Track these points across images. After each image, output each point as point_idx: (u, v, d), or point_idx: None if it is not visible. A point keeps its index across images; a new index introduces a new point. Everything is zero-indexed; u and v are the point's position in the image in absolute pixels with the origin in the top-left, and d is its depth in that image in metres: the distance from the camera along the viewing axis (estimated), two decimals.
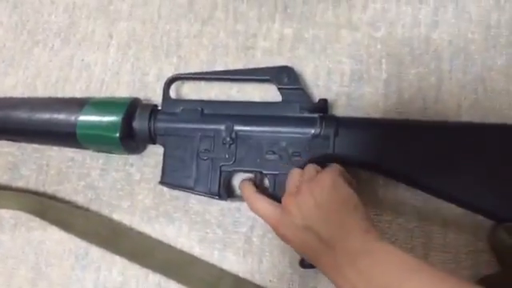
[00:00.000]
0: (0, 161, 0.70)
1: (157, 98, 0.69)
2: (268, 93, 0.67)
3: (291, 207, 0.50)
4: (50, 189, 0.68)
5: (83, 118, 0.61)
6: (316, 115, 0.59)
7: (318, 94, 0.66)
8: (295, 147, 0.58)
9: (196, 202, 0.65)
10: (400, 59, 0.66)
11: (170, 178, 0.61)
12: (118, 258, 0.64)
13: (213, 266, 0.62)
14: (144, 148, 0.67)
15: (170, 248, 0.64)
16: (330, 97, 0.65)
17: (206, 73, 0.68)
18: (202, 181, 0.60)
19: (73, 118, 0.62)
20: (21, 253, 0.67)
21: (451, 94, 0.64)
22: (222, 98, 0.68)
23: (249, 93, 0.68)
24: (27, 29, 0.76)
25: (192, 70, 0.69)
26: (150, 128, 0.61)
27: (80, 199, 0.67)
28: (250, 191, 0.57)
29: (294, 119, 0.59)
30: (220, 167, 0.60)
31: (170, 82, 0.64)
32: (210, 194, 0.60)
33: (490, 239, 0.58)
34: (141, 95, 0.69)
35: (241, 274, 0.62)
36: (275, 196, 0.57)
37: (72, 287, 0.64)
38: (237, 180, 0.65)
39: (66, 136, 0.62)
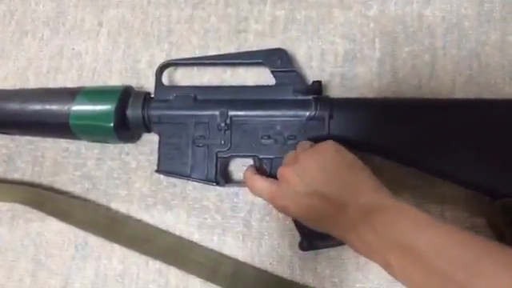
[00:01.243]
0: None
1: (149, 84, 0.68)
2: (262, 76, 0.66)
3: (289, 176, 0.50)
4: (46, 180, 0.68)
5: (76, 107, 0.61)
6: (310, 97, 0.59)
7: (311, 75, 0.66)
8: (290, 130, 0.58)
9: (193, 189, 0.65)
10: (393, 37, 0.66)
11: (167, 166, 0.60)
12: (117, 247, 0.64)
13: (212, 251, 0.62)
14: (139, 137, 0.67)
15: (169, 235, 0.64)
16: (323, 78, 0.65)
17: (198, 58, 0.67)
18: (199, 168, 0.60)
19: (65, 108, 0.61)
20: (20, 245, 0.66)
21: (446, 71, 0.64)
22: (215, 82, 0.68)
23: (242, 77, 0.67)
24: (15, 19, 0.75)
25: (184, 56, 0.69)
26: (143, 116, 0.61)
27: (77, 189, 0.67)
28: (249, 173, 0.57)
29: (288, 102, 0.59)
30: (216, 153, 0.60)
31: (161, 68, 0.63)
32: (207, 181, 0.60)
33: (487, 216, 0.58)
34: (133, 82, 0.69)
35: (240, 258, 0.62)
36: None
37: (73, 277, 0.65)
38: (233, 166, 0.65)
39: (60, 127, 0.61)
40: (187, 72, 0.69)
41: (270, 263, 0.61)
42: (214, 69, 0.68)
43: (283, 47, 0.66)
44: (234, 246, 0.63)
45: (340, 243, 0.54)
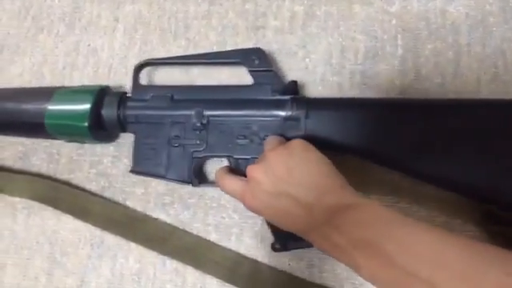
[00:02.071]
0: (10, 151, 0.69)
1: (166, 80, 0.68)
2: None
3: (258, 175, 0.49)
4: (61, 177, 0.67)
5: (51, 107, 0.60)
6: (287, 97, 0.58)
7: (331, 72, 0.65)
8: (266, 130, 0.57)
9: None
10: (416, 34, 0.64)
11: (142, 166, 0.60)
12: (133, 245, 0.63)
13: (230, 251, 0.61)
14: (116, 136, 0.66)
15: (186, 234, 0.63)
16: (343, 75, 0.64)
17: (176, 57, 0.66)
18: (174, 168, 0.59)
19: (41, 107, 0.60)
20: (35, 243, 0.66)
21: (470, 69, 0.62)
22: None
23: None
24: (31, 15, 0.74)
25: (201, 52, 0.68)
26: (119, 116, 0.60)
27: (93, 187, 0.66)
28: (220, 173, 0.56)
29: (265, 102, 0.58)
30: (191, 153, 0.59)
31: (138, 68, 0.62)
32: (182, 181, 0.59)
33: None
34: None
35: (258, 259, 0.61)
36: None
37: (88, 275, 0.64)
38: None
39: (35, 127, 0.61)
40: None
41: (289, 264, 0.60)
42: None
43: (302, 44, 0.66)
44: (251, 245, 0.62)
45: (310, 245, 0.53)
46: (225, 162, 0.60)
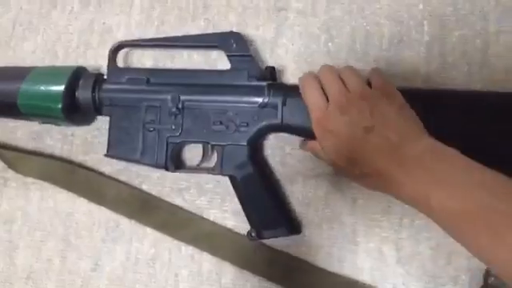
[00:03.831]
0: (24, 130, 0.68)
1: (183, 62, 0.66)
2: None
3: (353, 108, 0.49)
4: (76, 159, 0.66)
5: (25, 87, 0.59)
6: (264, 83, 0.57)
7: (354, 58, 0.63)
8: (242, 117, 0.57)
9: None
10: (443, 20, 0.62)
11: (116, 150, 0.60)
12: (149, 230, 0.63)
13: (247, 238, 0.60)
14: (92, 119, 0.65)
15: (202, 220, 0.62)
16: (367, 62, 0.62)
17: (153, 39, 0.65)
18: (149, 153, 0.59)
19: (14, 88, 0.59)
20: (49, 225, 0.65)
21: (498, 58, 0.60)
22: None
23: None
24: None
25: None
26: (94, 98, 0.59)
27: (107, 170, 0.65)
28: (307, 78, 0.54)
29: (242, 88, 0.58)
30: (167, 139, 0.58)
31: (115, 49, 0.62)
32: (157, 167, 0.59)
33: None
34: (166, 61, 0.66)
35: (275, 247, 0.60)
36: (223, 168, 0.57)
37: (103, 259, 0.63)
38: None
39: (9, 107, 0.60)
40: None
41: (306, 253, 0.60)
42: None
43: (326, 28, 0.64)
44: None
45: (285, 234, 0.56)
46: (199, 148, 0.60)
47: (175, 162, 0.60)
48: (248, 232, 0.58)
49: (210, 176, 0.62)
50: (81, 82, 0.59)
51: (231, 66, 0.59)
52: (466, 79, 0.60)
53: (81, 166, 0.66)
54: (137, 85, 0.59)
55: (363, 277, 0.58)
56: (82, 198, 0.64)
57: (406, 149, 0.45)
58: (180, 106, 0.57)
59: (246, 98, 0.57)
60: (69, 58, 0.69)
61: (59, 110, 0.58)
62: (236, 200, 0.61)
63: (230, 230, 0.61)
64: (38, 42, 0.70)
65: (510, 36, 0.60)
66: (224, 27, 0.66)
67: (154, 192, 0.64)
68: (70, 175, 0.64)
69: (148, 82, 0.59)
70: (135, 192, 0.63)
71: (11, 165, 0.66)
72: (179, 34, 0.66)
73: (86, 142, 0.66)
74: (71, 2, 0.71)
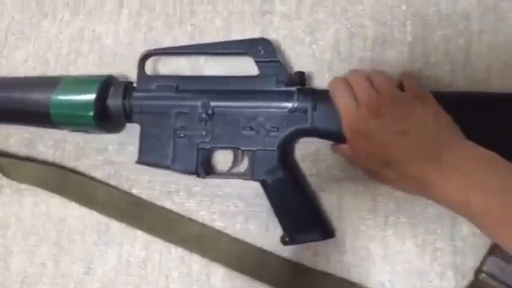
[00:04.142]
0: (16, 137, 0.69)
1: (171, 67, 0.67)
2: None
3: (384, 110, 0.50)
4: (68, 165, 0.67)
5: (57, 97, 0.60)
6: (293, 88, 0.57)
7: (339, 59, 0.64)
8: (273, 122, 0.57)
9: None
10: (426, 20, 0.63)
11: (147, 157, 0.60)
12: (139, 233, 0.64)
13: (236, 240, 0.61)
14: (122, 127, 0.66)
15: (191, 222, 0.63)
16: (351, 62, 0.63)
17: (181, 47, 0.65)
18: (179, 159, 0.59)
19: (46, 97, 0.60)
20: (42, 230, 0.66)
21: (480, 57, 0.61)
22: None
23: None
24: (35, 0, 0.73)
25: (207, 39, 0.67)
26: (124, 106, 0.60)
27: (99, 175, 0.66)
28: (337, 79, 0.56)
29: (271, 93, 0.58)
30: (197, 144, 0.59)
31: (143, 57, 0.62)
32: (188, 172, 0.59)
33: None
34: (155, 66, 0.67)
35: (264, 247, 0.61)
36: (254, 173, 0.58)
37: (95, 262, 0.64)
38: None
39: (41, 116, 0.61)
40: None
41: (294, 252, 0.60)
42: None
43: (310, 30, 0.65)
44: (257, 233, 0.62)
45: (319, 239, 0.56)
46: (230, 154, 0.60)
47: (205, 168, 0.61)
48: (281, 237, 0.58)
49: (199, 179, 0.63)
50: (111, 90, 0.60)
51: (259, 71, 0.59)
52: (449, 78, 0.61)
53: (73, 171, 0.67)
54: (166, 92, 0.60)
55: (350, 275, 0.59)
56: (73, 203, 0.65)
57: (443, 153, 0.45)
58: (210, 112, 0.58)
59: (275, 103, 0.57)
60: (59, 65, 0.70)
61: (91, 117, 0.59)
62: (224, 201, 0.62)
63: (218, 231, 0.62)
64: (30, 51, 0.72)
65: (492, 35, 0.61)
66: (210, 32, 0.67)
67: (143, 195, 0.65)
68: (62, 180, 0.65)
69: (177, 88, 0.60)
70: (125, 196, 0.65)
71: (5, 172, 0.67)
72: (166, 39, 0.68)
73: (78, 148, 0.68)
74: (61, 11, 0.72)
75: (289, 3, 0.66)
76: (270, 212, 0.61)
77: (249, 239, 0.61)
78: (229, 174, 0.62)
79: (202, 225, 0.63)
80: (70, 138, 0.68)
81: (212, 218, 0.63)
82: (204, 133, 0.58)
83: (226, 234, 0.62)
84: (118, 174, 0.66)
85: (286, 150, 0.59)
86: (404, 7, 0.63)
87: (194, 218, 0.63)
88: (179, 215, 0.63)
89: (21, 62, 0.71)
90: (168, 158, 0.59)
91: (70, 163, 0.67)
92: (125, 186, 0.65)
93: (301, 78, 0.59)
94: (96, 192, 0.65)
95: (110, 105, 0.60)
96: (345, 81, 0.55)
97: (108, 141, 0.67)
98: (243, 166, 0.61)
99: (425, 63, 0.62)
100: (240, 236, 0.62)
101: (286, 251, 0.60)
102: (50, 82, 0.62)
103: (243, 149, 0.58)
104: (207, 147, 0.59)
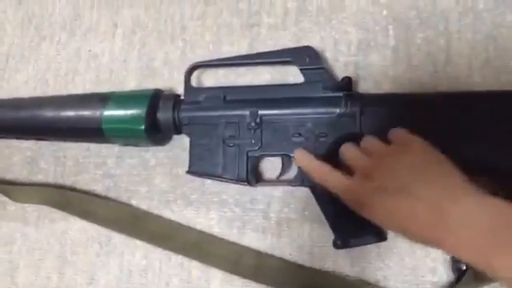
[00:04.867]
0: (19, 156, 0.72)
1: (164, 82, 0.70)
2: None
3: (375, 172, 0.48)
4: (68, 180, 0.70)
5: (108, 112, 0.62)
6: (340, 94, 0.58)
7: (325, 65, 0.65)
8: (321, 128, 0.58)
9: (212, 183, 0.65)
10: (407, 24, 0.65)
11: (198, 167, 0.61)
12: (139, 243, 0.65)
13: (233, 244, 0.63)
14: (169, 139, 0.67)
15: (189, 229, 0.64)
16: (337, 68, 0.65)
17: (226, 59, 0.65)
18: (230, 168, 0.60)
19: (98, 113, 0.62)
20: (46, 244, 0.68)
21: (461, 56, 0.63)
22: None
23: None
24: (33, 24, 0.77)
25: (198, 53, 0.70)
26: (174, 118, 0.61)
27: (99, 188, 0.69)
28: (309, 161, 0.55)
29: (318, 99, 0.58)
30: (247, 153, 0.59)
31: (190, 70, 0.63)
32: (239, 181, 0.60)
33: None
34: (149, 81, 0.70)
35: (261, 250, 0.62)
36: (304, 179, 0.57)
37: (98, 273, 0.66)
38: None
39: (93, 132, 0.63)
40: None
41: (290, 254, 0.62)
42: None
43: (296, 39, 0.67)
44: (253, 238, 0.63)
45: (373, 241, 0.55)
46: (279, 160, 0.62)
47: (255, 176, 0.62)
48: (333, 241, 0.58)
49: (195, 186, 0.65)
50: (160, 103, 0.62)
51: (305, 79, 0.60)
52: (433, 78, 0.63)
53: (72, 188, 0.69)
54: (214, 103, 0.61)
55: (345, 273, 0.60)
56: (75, 216, 0.67)
57: (446, 210, 0.41)
58: (258, 120, 0.59)
59: (323, 109, 0.57)
60: (58, 84, 0.73)
61: (142, 131, 0.60)
62: (220, 207, 0.64)
63: (216, 237, 0.64)
64: (30, 73, 0.75)
65: (470, 34, 0.63)
66: (201, 46, 0.70)
67: (143, 206, 0.67)
68: (62, 198, 0.67)
69: (225, 99, 0.61)
70: (125, 208, 0.67)
71: (10, 197, 0.70)
72: (159, 54, 0.71)
73: (78, 163, 0.70)
74: (59, 34, 0.76)
75: (275, 15, 0.69)
76: (266, 216, 0.63)
77: (246, 243, 0.63)
78: (278, 181, 0.62)
79: (200, 232, 0.64)
80: (69, 154, 0.71)
81: (210, 225, 0.65)
82: (253, 141, 0.59)
83: (222, 239, 0.63)
84: (117, 186, 0.68)
85: (334, 155, 0.58)
86: (385, 12, 0.66)
87: (192, 225, 0.65)
88: (177, 224, 0.65)
89: (22, 84, 0.75)
90: (218, 167, 0.60)
91: (71, 178, 0.70)
92: (124, 198, 0.68)
93: (348, 84, 0.59)
94: (95, 207, 0.66)
95: (160, 118, 0.61)
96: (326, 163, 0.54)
97: (106, 155, 0.69)
98: (292, 172, 0.61)
99: (408, 65, 0.64)
100: (237, 240, 0.63)
101: (282, 253, 0.62)
102: (100, 98, 0.64)
103: (293, 155, 0.58)
104: (257, 155, 0.60)
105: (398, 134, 0.52)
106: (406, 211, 0.43)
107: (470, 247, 0.39)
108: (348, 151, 0.54)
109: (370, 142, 0.53)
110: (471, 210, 0.40)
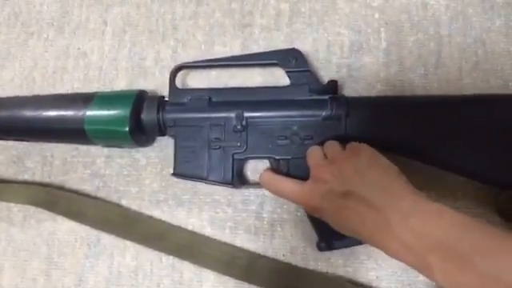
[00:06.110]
0: (4, 155, 0.70)
1: (156, 82, 0.69)
2: (273, 77, 0.66)
3: (325, 175, 0.49)
4: (56, 179, 0.68)
5: (91, 113, 0.60)
6: (326, 97, 0.58)
7: (318, 67, 0.66)
8: (307, 130, 0.58)
9: (204, 183, 0.64)
10: (399, 27, 0.66)
11: (183, 169, 0.60)
12: (130, 243, 0.64)
13: (226, 245, 0.62)
14: (153, 140, 0.67)
15: (181, 230, 0.64)
16: (330, 69, 0.66)
17: (211, 60, 0.65)
18: (215, 170, 0.59)
19: (80, 113, 0.60)
20: (32, 245, 0.66)
21: (452, 59, 0.64)
22: (229, 84, 0.67)
23: (255, 78, 0.67)
24: (20, 21, 0.75)
25: (190, 52, 0.69)
26: (158, 120, 0.60)
27: (87, 188, 0.67)
28: (269, 175, 0.57)
29: (304, 102, 0.59)
30: (232, 155, 0.59)
31: (175, 71, 0.63)
32: (224, 183, 0.59)
33: (496, 205, 0.58)
34: (140, 81, 0.69)
35: (253, 251, 0.62)
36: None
37: (86, 275, 0.65)
38: (249, 167, 0.65)
39: (75, 132, 0.61)
40: (200, 74, 0.68)
41: (283, 254, 0.62)
42: (227, 70, 0.68)
43: (289, 40, 0.67)
44: (246, 238, 0.63)
45: (357, 243, 0.55)
46: (265, 163, 0.62)
47: (240, 178, 0.61)
48: (317, 243, 0.58)
49: (187, 187, 0.65)
50: (145, 104, 0.61)
51: (291, 81, 0.60)
52: (424, 81, 0.64)
53: (60, 187, 0.68)
54: (199, 104, 0.60)
55: (338, 273, 0.60)
56: (62, 216, 0.65)
57: (389, 213, 0.43)
58: (244, 122, 0.59)
59: (309, 112, 0.58)
60: (46, 82, 0.72)
61: (126, 132, 0.59)
62: (212, 208, 0.64)
63: (208, 238, 0.63)
64: (17, 70, 0.73)
65: (460, 37, 0.65)
66: (193, 46, 0.69)
67: (133, 206, 0.66)
68: (50, 198, 0.66)
69: (210, 101, 0.61)
70: (114, 209, 0.65)
71: None
72: (150, 54, 0.70)
73: (66, 162, 0.68)
74: (46, 31, 0.74)
75: (268, 16, 0.69)
76: (258, 217, 0.63)
77: (238, 244, 0.63)
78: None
79: (192, 232, 0.64)
80: (57, 153, 0.69)
81: (202, 225, 0.64)
82: (239, 143, 0.59)
83: (214, 240, 0.63)
84: (107, 187, 0.67)
85: None
86: (377, 15, 0.67)
87: (183, 226, 0.64)
88: (168, 224, 0.64)
89: (8, 81, 0.73)
90: (204, 169, 0.59)
91: (58, 177, 0.68)
92: (114, 198, 0.66)
93: (333, 87, 0.60)
94: (84, 207, 0.65)
95: (145, 119, 0.60)
96: (277, 172, 0.58)
97: (95, 154, 0.68)
98: None
99: (400, 67, 0.65)
100: (230, 241, 0.63)
101: (275, 254, 0.62)
102: (83, 98, 0.62)
103: (278, 158, 0.58)
104: (242, 157, 0.60)
105: (332, 144, 0.55)
106: (354, 215, 0.46)
107: (411, 252, 0.41)
108: (309, 155, 0.55)
109: (328, 146, 0.55)
110: (410, 213, 0.42)
